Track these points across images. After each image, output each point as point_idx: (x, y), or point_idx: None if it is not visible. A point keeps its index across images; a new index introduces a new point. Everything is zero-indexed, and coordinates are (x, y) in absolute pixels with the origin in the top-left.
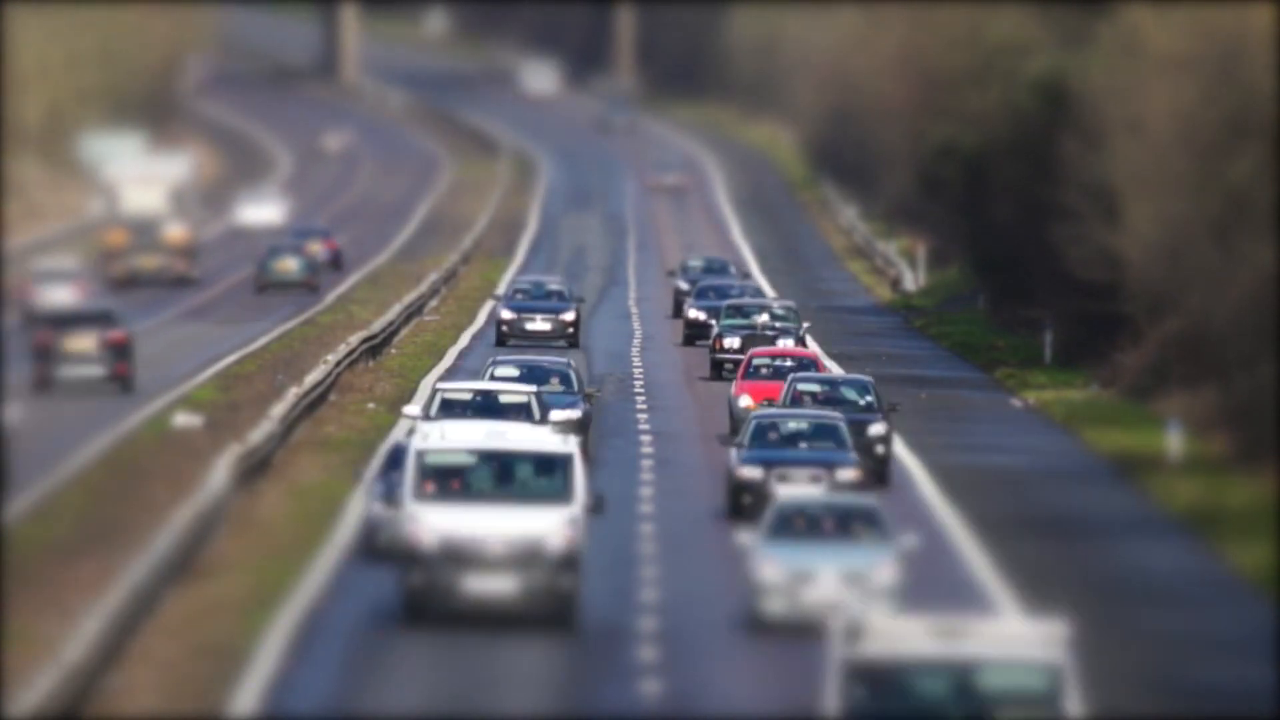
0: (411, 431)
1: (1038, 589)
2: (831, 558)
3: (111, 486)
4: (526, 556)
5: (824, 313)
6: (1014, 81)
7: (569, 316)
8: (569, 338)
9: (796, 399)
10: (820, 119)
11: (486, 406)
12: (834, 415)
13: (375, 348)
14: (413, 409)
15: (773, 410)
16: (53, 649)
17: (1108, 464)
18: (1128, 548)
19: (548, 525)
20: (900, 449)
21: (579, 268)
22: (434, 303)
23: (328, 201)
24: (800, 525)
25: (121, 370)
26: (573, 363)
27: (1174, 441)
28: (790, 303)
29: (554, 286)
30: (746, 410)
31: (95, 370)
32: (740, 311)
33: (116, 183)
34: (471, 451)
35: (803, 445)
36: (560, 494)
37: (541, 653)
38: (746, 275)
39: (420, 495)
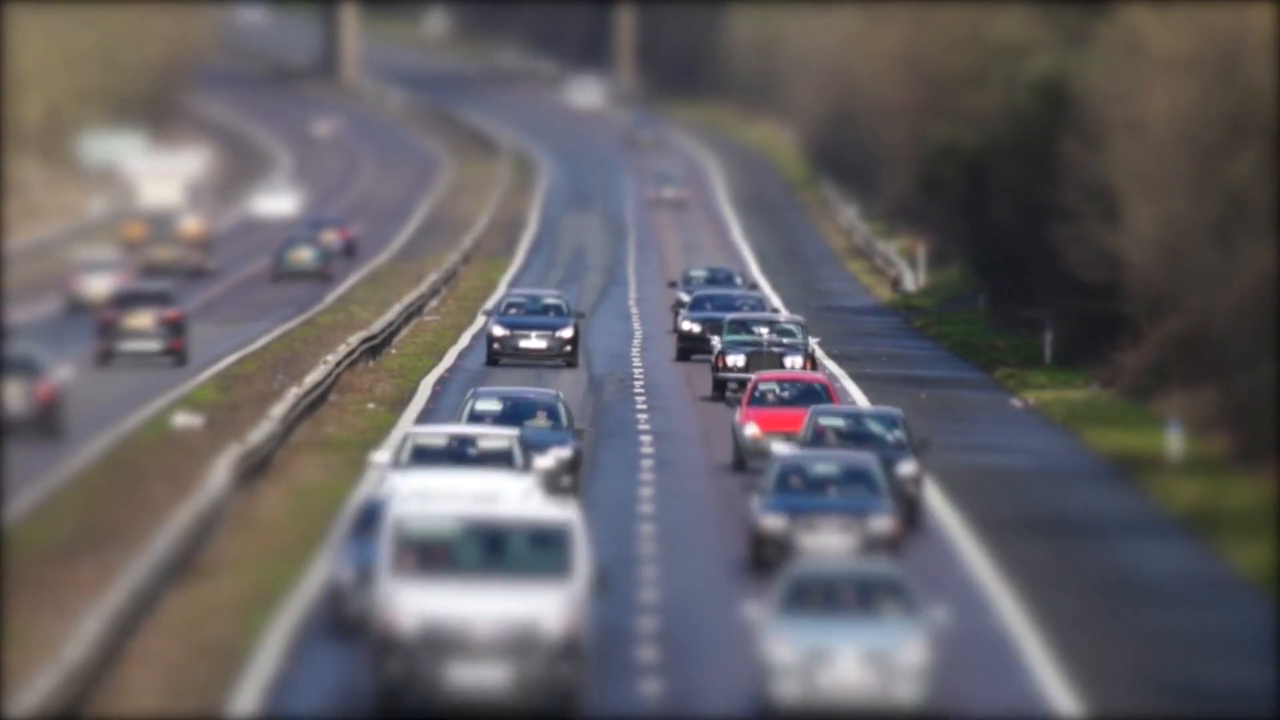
0: (382, 483)
1: (1038, 589)
2: (851, 635)
3: (111, 486)
4: (519, 642)
5: (824, 313)
6: (1014, 82)
7: (567, 333)
8: (567, 356)
9: (819, 434)
10: (820, 119)
11: (463, 454)
12: (867, 457)
13: (375, 348)
14: (382, 456)
15: (799, 453)
16: (53, 649)
17: (1108, 464)
18: (1127, 548)
19: (544, 606)
20: None
21: (579, 268)
22: (434, 303)
23: (330, 199)
24: (816, 597)
25: (176, 345)
26: (561, 395)
27: (1174, 441)
28: (799, 317)
29: (551, 300)
30: (753, 440)
31: (152, 345)
32: (745, 326)
33: (134, 177)
34: (457, 519)
35: (832, 490)
36: (558, 569)
37: None
38: (754, 286)
39: (398, 570)
